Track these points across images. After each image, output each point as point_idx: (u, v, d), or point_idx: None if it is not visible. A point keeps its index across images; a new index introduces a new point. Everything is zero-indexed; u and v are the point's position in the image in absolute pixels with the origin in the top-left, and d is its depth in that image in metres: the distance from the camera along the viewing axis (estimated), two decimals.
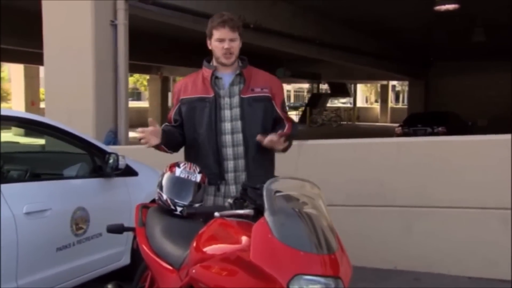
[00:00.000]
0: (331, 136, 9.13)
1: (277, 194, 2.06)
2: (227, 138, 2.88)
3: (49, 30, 6.94)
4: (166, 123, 3.03)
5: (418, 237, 4.66)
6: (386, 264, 4.68)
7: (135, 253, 3.53)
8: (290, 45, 13.56)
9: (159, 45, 18.21)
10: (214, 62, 2.93)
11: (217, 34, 2.82)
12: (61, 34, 6.88)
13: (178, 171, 2.73)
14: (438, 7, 11.46)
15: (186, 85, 2.97)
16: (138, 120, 29.96)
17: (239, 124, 2.87)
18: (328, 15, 14.07)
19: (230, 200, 2.22)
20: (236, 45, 2.86)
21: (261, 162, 2.90)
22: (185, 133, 2.96)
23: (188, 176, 2.72)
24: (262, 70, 3.04)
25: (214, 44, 2.86)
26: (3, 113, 3.66)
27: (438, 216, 4.62)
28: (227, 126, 2.88)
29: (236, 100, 2.88)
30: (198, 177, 2.73)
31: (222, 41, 2.82)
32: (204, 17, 9.18)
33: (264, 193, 1.99)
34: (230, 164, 2.89)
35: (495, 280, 4.29)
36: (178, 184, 2.71)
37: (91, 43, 6.61)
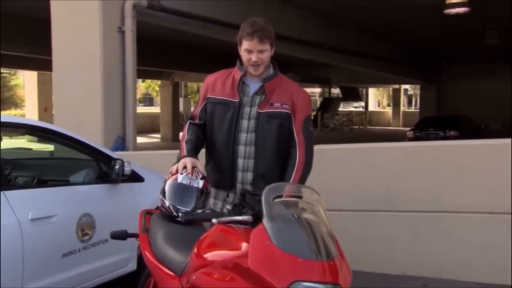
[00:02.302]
0: (342, 141, 9.08)
1: (276, 200, 2.04)
2: (241, 149, 2.84)
3: (57, 37, 7.01)
4: (190, 121, 2.99)
5: (426, 243, 4.61)
6: (394, 269, 4.64)
7: (142, 259, 3.54)
8: (300, 50, 13.53)
9: (170, 50, 18.28)
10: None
11: (245, 44, 2.74)
12: (70, 41, 6.94)
13: (180, 178, 2.72)
14: (447, 11, 11.36)
15: (215, 83, 2.91)
16: (151, 125, 30.06)
17: (253, 136, 2.82)
18: (338, 19, 14.04)
19: (228, 206, 2.22)
20: (265, 57, 2.76)
21: (268, 179, 2.77)
22: (207, 132, 2.94)
23: (190, 183, 2.70)
24: (291, 82, 2.95)
25: (242, 54, 2.79)
26: (13, 120, 3.72)
27: (447, 221, 4.58)
28: (243, 136, 2.83)
29: (254, 111, 2.82)
30: (200, 183, 2.71)
31: (250, 53, 2.74)
32: (212, 23, 9.25)
33: (263, 199, 1.98)
34: (239, 175, 2.86)
35: (506, 286, 4.23)
36: (180, 191, 2.70)
37: (99, 49, 6.65)
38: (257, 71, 2.78)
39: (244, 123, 2.83)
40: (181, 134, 3.07)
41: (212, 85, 2.91)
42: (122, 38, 6.87)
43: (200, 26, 9.17)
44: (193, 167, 2.73)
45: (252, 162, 2.83)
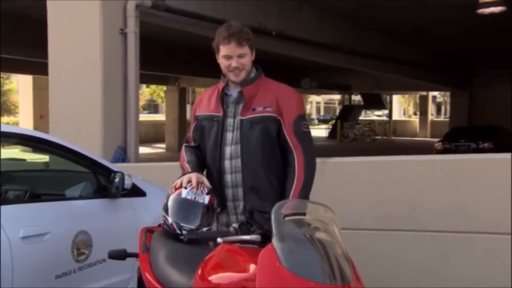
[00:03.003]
0: (363, 152, 9.06)
1: (287, 218, 2.05)
2: (227, 164, 2.86)
3: (54, 39, 7.08)
4: (186, 144, 3.06)
5: (456, 266, 4.57)
6: None
7: (142, 281, 3.54)
8: (317, 53, 13.57)
9: (176, 54, 18.44)
10: None
11: (223, 50, 2.77)
12: (67, 43, 7.01)
13: (184, 193, 2.74)
14: (481, 11, 11.32)
15: (201, 101, 2.99)
16: (155, 134, 30.15)
17: (238, 148, 2.83)
18: (359, 21, 14.06)
19: (235, 225, 2.23)
20: (246, 61, 2.79)
21: (261, 192, 2.82)
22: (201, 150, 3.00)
23: (195, 198, 2.73)
24: (275, 83, 2.94)
25: (221, 61, 2.82)
26: (4, 129, 3.75)
27: (478, 242, 4.53)
28: (227, 150, 2.85)
29: (238, 120, 2.84)
30: (206, 199, 2.73)
31: (229, 58, 2.77)
32: (221, 24, 9.28)
33: (272, 217, 1.99)
34: (229, 193, 2.88)
35: None
36: (184, 207, 2.73)
37: (100, 53, 6.72)
38: (238, 76, 2.80)
39: (228, 135, 2.85)
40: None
41: (199, 103, 2.99)
42: (124, 40, 6.94)
43: (208, 27, 9.20)
44: (199, 182, 2.75)
45: (240, 176, 2.84)
